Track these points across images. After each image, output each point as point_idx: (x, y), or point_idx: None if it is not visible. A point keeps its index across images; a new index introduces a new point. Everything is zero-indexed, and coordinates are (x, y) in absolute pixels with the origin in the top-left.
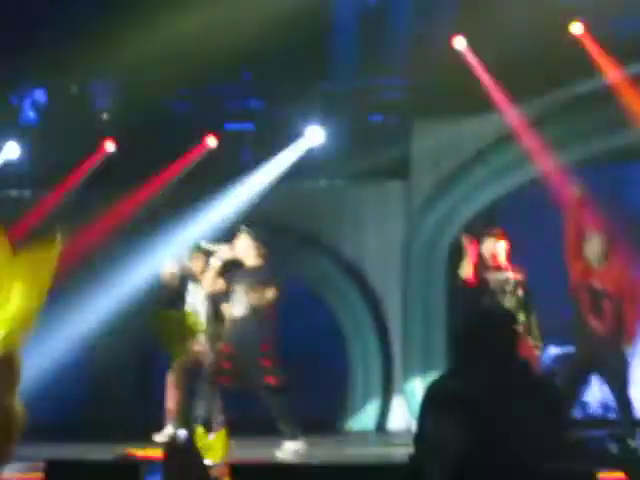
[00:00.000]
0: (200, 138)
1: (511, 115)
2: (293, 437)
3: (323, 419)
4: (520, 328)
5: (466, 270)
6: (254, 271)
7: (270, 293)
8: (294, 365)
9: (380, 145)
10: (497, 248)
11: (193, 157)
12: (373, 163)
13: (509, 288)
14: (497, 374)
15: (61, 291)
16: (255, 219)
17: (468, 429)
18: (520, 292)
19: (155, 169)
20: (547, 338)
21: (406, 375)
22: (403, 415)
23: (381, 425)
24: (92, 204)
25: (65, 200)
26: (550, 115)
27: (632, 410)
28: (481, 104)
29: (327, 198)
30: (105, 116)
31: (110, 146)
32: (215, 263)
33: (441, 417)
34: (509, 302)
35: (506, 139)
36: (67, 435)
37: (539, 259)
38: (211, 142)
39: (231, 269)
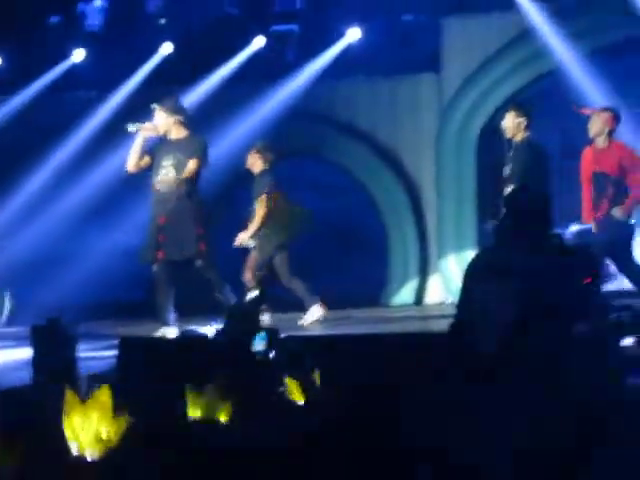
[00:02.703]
0: (248, 40)
1: (530, 10)
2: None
3: (366, 295)
4: None
5: None
6: (178, 143)
7: (193, 163)
8: (336, 243)
9: (413, 42)
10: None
11: (243, 57)
12: (407, 58)
13: None
14: (536, 245)
15: (126, 183)
16: (299, 111)
17: (514, 296)
18: None
19: (208, 68)
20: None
21: (440, 254)
22: (439, 291)
23: (419, 300)
24: (151, 102)
25: (127, 99)
26: (567, 8)
27: None
28: (502, 1)
29: (365, 91)
30: (162, 20)
31: (167, 48)
32: (137, 140)
33: (489, 286)
34: None
35: (526, 33)
36: (139, 313)
37: (559, 145)
38: (259, 43)
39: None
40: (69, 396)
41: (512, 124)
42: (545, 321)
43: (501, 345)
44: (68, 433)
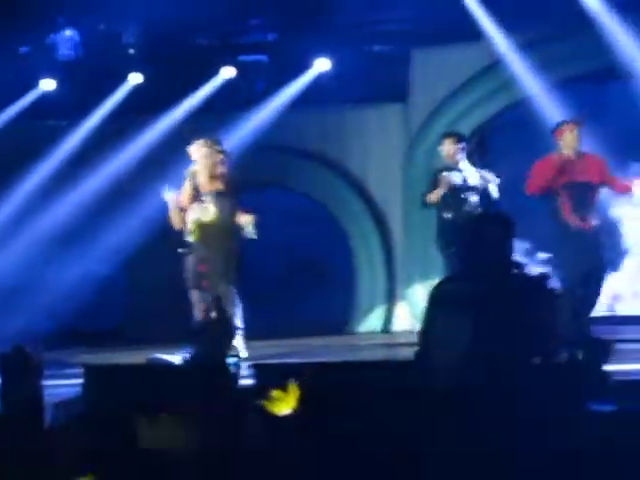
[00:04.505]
0: (218, 70)
1: (499, 41)
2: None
3: (332, 322)
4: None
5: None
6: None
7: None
8: (305, 272)
9: (381, 72)
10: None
11: (212, 87)
12: (375, 88)
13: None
14: (496, 275)
15: (97, 211)
16: (268, 141)
17: (473, 325)
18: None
19: (178, 99)
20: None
21: (408, 281)
22: (406, 318)
23: (386, 327)
24: (121, 132)
25: (97, 128)
26: (534, 41)
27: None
28: (471, 33)
29: (333, 121)
30: (132, 50)
31: (136, 78)
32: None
33: (449, 315)
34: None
35: (495, 64)
36: (104, 341)
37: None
38: (228, 73)
39: None
40: None
41: (453, 151)
42: (501, 352)
43: (454, 378)
44: None
